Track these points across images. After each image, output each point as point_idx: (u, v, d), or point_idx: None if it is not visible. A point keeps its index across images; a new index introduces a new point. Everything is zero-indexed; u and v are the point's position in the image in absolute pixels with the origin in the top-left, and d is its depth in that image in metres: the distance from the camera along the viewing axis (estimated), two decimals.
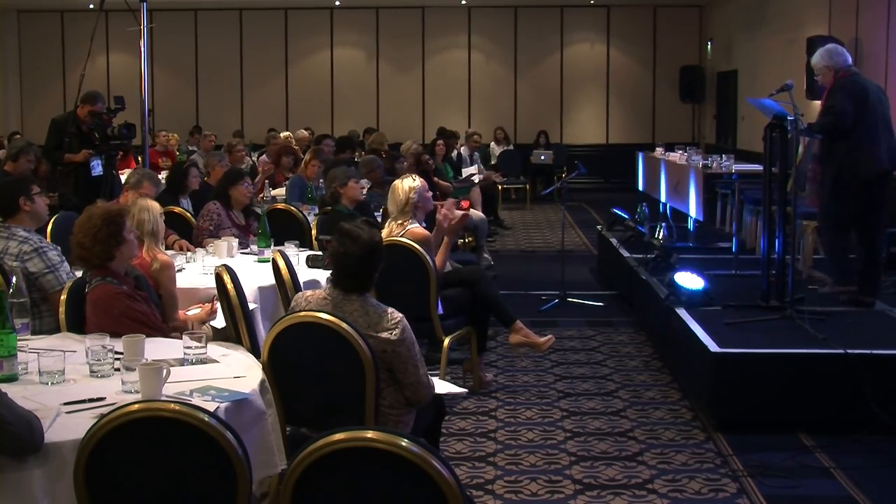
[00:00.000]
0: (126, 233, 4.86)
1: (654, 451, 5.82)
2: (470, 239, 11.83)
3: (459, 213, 6.86)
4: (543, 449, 5.88)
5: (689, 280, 7.58)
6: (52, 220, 7.69)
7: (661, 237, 9.69)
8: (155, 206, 6.09)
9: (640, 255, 9.50)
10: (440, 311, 6.74)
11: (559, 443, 5.99)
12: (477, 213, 11.60)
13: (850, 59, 7.66)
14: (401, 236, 6.67)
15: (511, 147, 20.20)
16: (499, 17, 22.14)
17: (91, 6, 18.04)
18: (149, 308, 4.86)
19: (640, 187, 15.28)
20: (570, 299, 9.81)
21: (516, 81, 22.24)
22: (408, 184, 6.94)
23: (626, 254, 10.08)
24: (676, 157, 12.94)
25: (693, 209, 11.32)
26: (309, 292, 4.69)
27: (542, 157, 20.18)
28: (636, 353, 8.05)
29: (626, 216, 10.50)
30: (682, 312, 7.20)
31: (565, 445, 5.94)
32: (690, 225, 11.60)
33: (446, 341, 6.68)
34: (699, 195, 11.10)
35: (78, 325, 4.82)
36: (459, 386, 6.78)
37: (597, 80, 22.08)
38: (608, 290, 10.51)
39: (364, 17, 22.26)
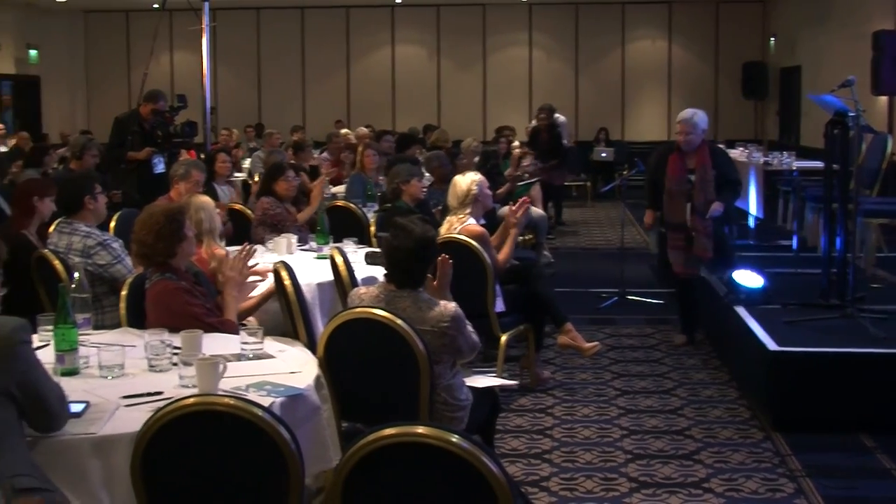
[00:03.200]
0: (186, 230, 4.92)
1: (710, 450, 5.79)
2: (530, 236, 11.79)
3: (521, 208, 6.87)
4: (599, 446, 5.87)
5: (749, 278, 7.51)
6: (114, 217, 7.82)
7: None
8: (210, 203, 6.16)
9: None
10: (502, 307, 6.75)
11: (615, 440, 5.97)
12: (537, 211, 11.57)
13: None
14: (457, 232, 6.68)
15: (572, 144, 20.11)
16: (560, 14, 22.07)
17: (155, 5, 18.23)
18: (207, 304, 4.92)
19: None
20: (629, 297, 9.77)
21: (577, 78, 22.16)
22: (469, 177, 6.96)
23: None
24: (737, 153, 12.83)
25: (753, 206, 11.23)
26: (363, 288, 4.73)
27: (603, 155, 20.08)
28: (694, 351, 8.00)
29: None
30: (741, 310, 7.14)
31: (621, 443, 5.92)
32: (751, 222, 11.50)
33: (503, 338, 6.68)
34: (760, 192, 11.00)
35: (138, 320, 4.89)
36: (517, 385, 6.82)
37: (658, 77, 21.94)
38: (667, 288, 10.44)
39: (425, 15, 22.31)
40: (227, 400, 3.18)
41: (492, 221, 7.65)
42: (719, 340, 7.94)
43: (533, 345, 6.99)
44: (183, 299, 4.76)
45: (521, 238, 11.30)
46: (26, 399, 3.19)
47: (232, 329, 4.78)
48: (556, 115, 15.66)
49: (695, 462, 5.61)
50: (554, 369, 7.43)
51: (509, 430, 6.13)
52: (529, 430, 6.15)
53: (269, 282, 5.61)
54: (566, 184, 17.19)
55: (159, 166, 10.10)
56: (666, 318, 9.07)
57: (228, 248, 6.70)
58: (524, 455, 5.72)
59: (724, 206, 7.84)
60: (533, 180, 12.87)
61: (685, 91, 21.50)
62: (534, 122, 16.27)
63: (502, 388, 5.35)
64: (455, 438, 2.76)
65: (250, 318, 5.48)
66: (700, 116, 7.96)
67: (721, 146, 9.11)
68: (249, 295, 5.46)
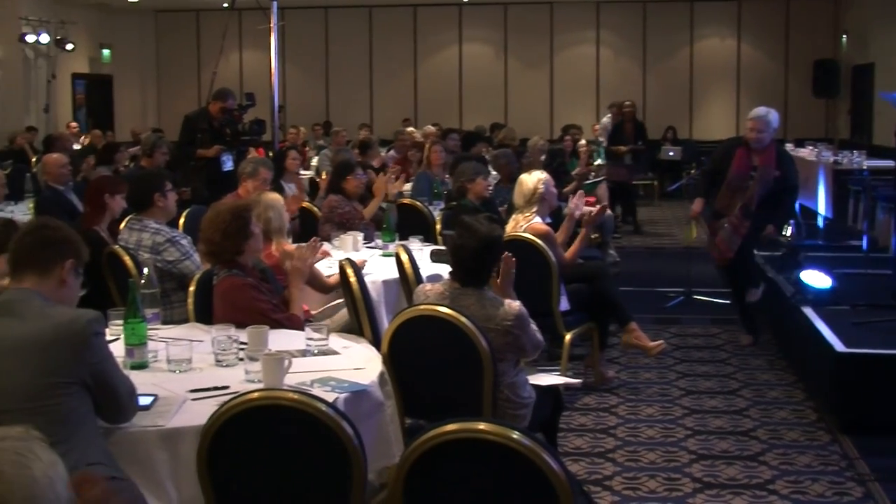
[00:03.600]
0: (253, 227, 4.98)
1: (776, 452, 5.74)
2: (596, 235, 11.75)
3: (589, 208, 6.87)
4: (663, 446, 5.85)
5: (817, 278, 7.44)
6: (184, 214, 7.93)
7: (788, 234, 9.51)
8: (278, 201, 6.21)
9: (767, 253, 9.34)
10: (567, 306, 6.75)
11: (679, 440, 5.94)
12: None
13: None
14: (522, 231, 6.69)
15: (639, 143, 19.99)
16: (628, 12, 21.95)
17: (225, 5, 18.45)
18: (273, 300, 4.98)
19: None
20: (695, 297, 9.71)
21: (644, 77, 22.02)
22: (536, 176, 6.97)
23: (754, 251, 9.90)
24: (806, 153, 12.69)
25: (822, 206, 11.09)
26: (429, 285, 4.75)
27: (671, 154, 19.94)
28: (760, 351, 7.93)
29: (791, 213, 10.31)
30: (808, 311, 7.07)
31: (686, 443, 5.89)
32: (820, 222, 11.35)
33: (568, 337, 6.67)
34: (829, 192, 10.87)
35: (206, 315, 4.96)
36: (580, 384, 6.80)
37: (727, 75, 21.71)
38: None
39: (492, 13, 22.31)
40: (291, 395, 3.23)
41: (557, 220, 7.64)
42: (786, 341, 7.86)
43: (597, 344, 6.98)
44: (249, 295, 4.82)
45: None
46: (98, 389, 3.27)
47: (297, 325, 4.83)
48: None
49: (760, 464, 5.56)
50: (618, 368, 7.41)
51: (573, 429, 6.12)
52: (593, 429, 6.15)
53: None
54: (633, 182, 17.12)
55: (228, 164, 10.20)
56: (732, 318, 8.97)
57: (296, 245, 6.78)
58: (587, 454, 5.72)
59: (775, 231, 8.05)
60: (599, 179, 12.83)
61: (754, 89, 21.26)
62: (607, 117, 16.21)
63: (566, 386, 5.34)
64: (516, 435, 2.78)
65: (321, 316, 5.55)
66: (773, 115, 7.92)
67: (787, 149, 9.00)
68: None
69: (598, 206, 6.89)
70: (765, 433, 6.05)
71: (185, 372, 4.06)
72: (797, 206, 12.01)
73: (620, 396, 6.81)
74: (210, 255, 5.02)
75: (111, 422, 3.38)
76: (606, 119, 16.30)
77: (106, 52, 22.21)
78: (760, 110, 7.93)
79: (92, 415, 3.29)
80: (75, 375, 3.20)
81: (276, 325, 4.71)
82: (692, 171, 15.94)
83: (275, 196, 6.34)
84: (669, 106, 21.77)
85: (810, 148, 12.79)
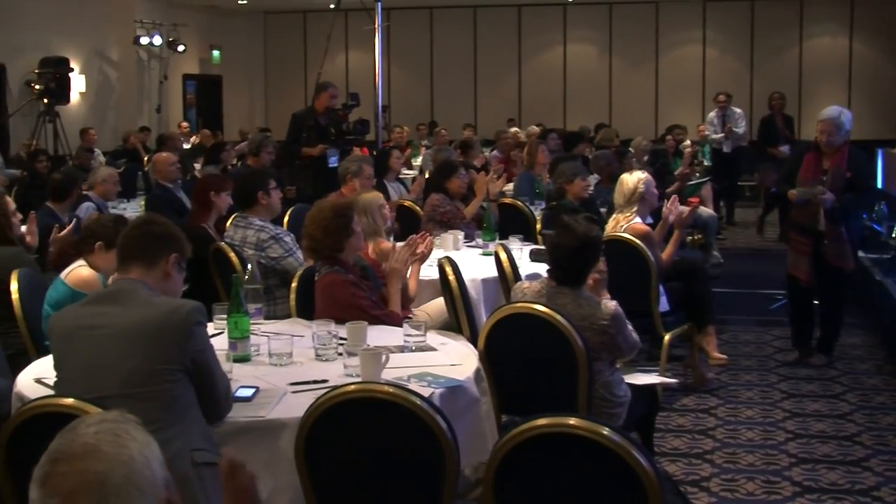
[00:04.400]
0: (354, 225, 5.06)
1: (881, 458, 5.63)
2: (699, 236, 11.65)
3: (684, 207, 6.82)
4: (763, 449, 5.78)
5: None
6: (288, 212, 8.08)
7: None
8: (376, 201, 6.28)
9: (876, 255, 9.17)
10: (667, 307, 6.72)
11: (780, 443, 5.87)
12: (707, 211, 11.44)
13: None
14: (622, 231, 6.68)
15: (745, 143, 19.71)
16: (735, 11, 21.62)
17: (331, 6, 18.69)
18: (373, 296, 5.05)
19: (879, 185, 14.68)
20: None
21: (752, 77, 21.70)
22: (636, 175, 6.96)
23: (861, 253, 9.72)
24: None
25: None
26: (526, 283, 4.79)
27: (783, 149, 19.59)
28: (867, 356, 7.78)
29: (863, 214, 10.12)
30: None
31: (786, 446, 5.82)
32: None
33: (666, 337, 6.64)
34: None
35: (307, 311, 5.06)
36: (679, 384, 6.77)
37: (838, 75, 21.24)
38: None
39: (597, 13, 22.21)
40: (386, 388, 3.29)
41: (657, 221, 7.60)
42: (895, 346, 7.70)
43: (696, 344, 6.93)
44: (350, 291, 4.90)
45: (689, 238, 11.21)
46: (197, 378, 3.35)
47: (396, 321, 4.89)
48: (732, 107, 15.47)
49: (864, 469, 5.47)
50: (718, 370, 7.33)
51: (671, 430, 6.09)
52: (691, 430, 6.11)
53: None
54: (739, 183, 16.89)
55: (333, 160, 10.33)
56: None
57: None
58: (685, 454, 5.69)
59: (835, 200, 7.02)
60: (703, 180, 12.71)
61: (866, 89, 20.78)
62: (713, 111, 15.94)
63: (663, 386, 5.33)
64: (606, 431, 2.80)
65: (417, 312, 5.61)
66: (846, 116, 7.36)
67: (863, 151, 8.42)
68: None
69: (688, 207, 6.80)
70: (870, 439, 5.94)
71: (286, 365, 4.14)
72: None
73: (720, 398, 6.75)
74: (311, 251, 5.11)
75: (206, 417, 3.44)
76: (712, 114, 16.07)
77: (216, 53, 22.63)
78: (832, 111, 7.42)
79: (196, 403, 3.37)
80: (178, 363, 3.29)
81: (375, 321, 4.79)
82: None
83: (375, 194, 6.41)
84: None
85: None
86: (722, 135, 15.33)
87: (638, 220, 6.81)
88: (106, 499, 1.79)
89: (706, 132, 15.53)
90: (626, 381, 4.74)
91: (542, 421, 2.88)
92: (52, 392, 3.51)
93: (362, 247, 5.36)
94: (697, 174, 12.65)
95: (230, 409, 3.52)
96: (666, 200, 7.05)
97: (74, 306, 3.60)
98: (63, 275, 5.03)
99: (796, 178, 7.29)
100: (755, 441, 5.92)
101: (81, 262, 5.09)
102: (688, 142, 15.01)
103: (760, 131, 14.98)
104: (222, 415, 3.50)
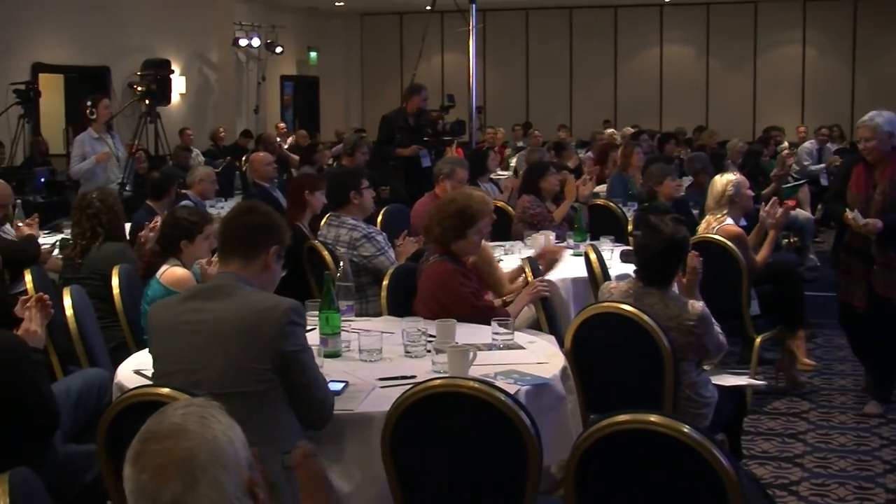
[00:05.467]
0: (472, 234, 5.08)
1: None
2: (795, 239, 11.52)
3: (780, 209, 6.75)
4: (855, 454, 5.72)
5: None
6: (381, 212, 8.19)
7: None
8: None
9: None
10: (758, 310, 6.67)
11: (873, 450, 5.80)
12: (804, 213, 11.29)
13: None
14: (714, 232, 6.65)
15: (847, 145, 19.37)
16: (836, 10, 21.22)
17: (428, 7, 18.83)
18: (479, 288, 5.12)
19: None
20: None
21: (854, 78, 21.29)
22: (726, 177, 6.91)
23: None
24: None
25: None
26: (613, 283, 4.82)
27: None
28: None
29: None
30: None
31: (880, 453, 5.75)
32: None
33: (757, 340, 6.59)
34: None
35: (398, 308, 5.14)
36: (770, 387, 6.72)
37: None
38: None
39: (694, 14, 22.02)
40: (471, 383, 3.33)
41: (753, 223, 7.52)
42: None
43: (788, 348, 6.87)
44: (457, 281, 4.99)
45: (785, 241, 11.08)
46: (290, 379, 3.35)
47: (501, 314, 4.87)
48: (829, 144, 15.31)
49: None
50: (811, 374, 7.25)
51: (761, 433, 6.06)
52: (782, 434, 6.07)
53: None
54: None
55: (426, 160, 10.42)
56: None
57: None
58: (775, 458, 5.65)
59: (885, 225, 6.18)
60: (800, 182, 12.54)
61: None
62: (810, 142, 15.69)
63: (751, 388, 5.30)
64: (686, 429, 2.82)
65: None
66: (885, 117, 6.48)
67: None
68: None
69: (782, 209, 6.71)
70: None
71: (376, 361, 4.22)
72: None
73: (812, 402, 6.68)
74: (426, 233, 5.25)
75: (307, 423, 3.43)
76: (810, 144, 15.79)
77: (313, 54, 22.92)
78: (869, 114, 6.56)
79: (289, 407, 3.37)
80: (270, 361, 3.29)
81: (477, 312, 4.87)
82: None
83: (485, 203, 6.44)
84: (881, 108, 20.88)
85: None
86: (822, 166, 15.11)
87: (730, 221, 6.76)
88: (192, 474, 1.90)
89: (805, 162, 15.30)
90: (714, 382, 4.74)
91: (622, 417, 2.92)
92: (150, 382, 3.61)
93: (475, 253, 5.34)
94: (793, 176, 12.48)
95: (330, 419, 3.48)
96: (763, 204, 6.97)
97: (174, 301, 3.60)
98: (158, 274, 5.17)
99: (846, 194, 6.49)
100: (847, 446, 5.86)
101: (174, 259, 5.24)
102: (786, 143, 14.82)
103: None
104: (320, 423, 3.46)
